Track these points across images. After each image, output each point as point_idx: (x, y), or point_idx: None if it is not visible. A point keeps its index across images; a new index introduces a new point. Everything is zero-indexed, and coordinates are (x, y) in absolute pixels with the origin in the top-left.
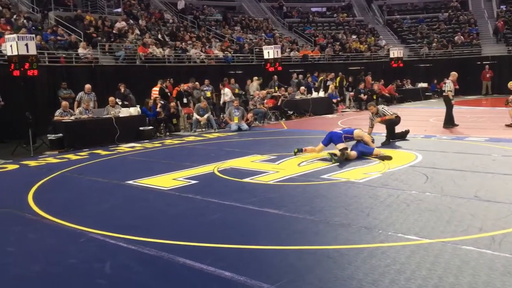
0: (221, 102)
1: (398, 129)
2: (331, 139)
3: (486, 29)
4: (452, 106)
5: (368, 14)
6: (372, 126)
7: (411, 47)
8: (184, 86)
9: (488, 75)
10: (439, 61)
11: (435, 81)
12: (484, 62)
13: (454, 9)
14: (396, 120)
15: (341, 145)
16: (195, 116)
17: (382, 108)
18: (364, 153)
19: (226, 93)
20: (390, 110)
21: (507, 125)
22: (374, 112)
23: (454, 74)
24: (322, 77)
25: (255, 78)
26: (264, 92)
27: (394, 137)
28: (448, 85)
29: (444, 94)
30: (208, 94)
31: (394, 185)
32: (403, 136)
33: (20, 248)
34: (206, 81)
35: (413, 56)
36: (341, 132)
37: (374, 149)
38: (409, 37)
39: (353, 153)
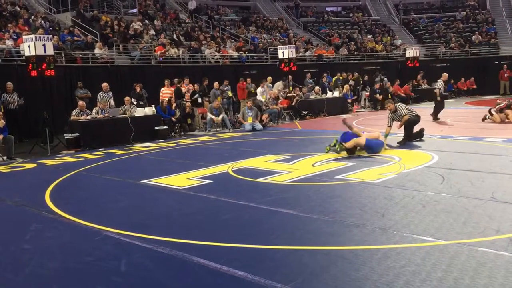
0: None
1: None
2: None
3: (504, 28)
4: (439, 102)
5: (383, 13)
6: (390, 126)
7: (428, 46)
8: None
9: (506, 75)
10: (456, 60)
11: (452, 81)
12: (502, 62)
13: (472, 8)
14: (416, 119)
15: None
16: (209, 115)
17: (399, 105)
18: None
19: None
20: (406, 109)
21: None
22: (392, 109)
23: (445, 75)
24: (342, 77)
25: (269, 78)
26: (276, 91)
27: (411, 138)
28: (437, 84)
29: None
30: (229, 93)
31: (410, 186)
32: (419, 135)
33: (37, 245)
34: (226, 82)
35: (429, 55)
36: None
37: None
38: (425, 37)
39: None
